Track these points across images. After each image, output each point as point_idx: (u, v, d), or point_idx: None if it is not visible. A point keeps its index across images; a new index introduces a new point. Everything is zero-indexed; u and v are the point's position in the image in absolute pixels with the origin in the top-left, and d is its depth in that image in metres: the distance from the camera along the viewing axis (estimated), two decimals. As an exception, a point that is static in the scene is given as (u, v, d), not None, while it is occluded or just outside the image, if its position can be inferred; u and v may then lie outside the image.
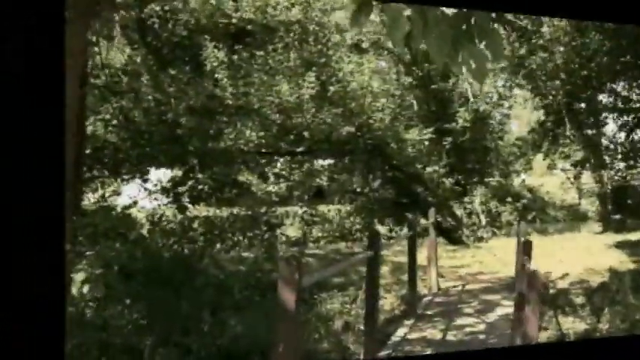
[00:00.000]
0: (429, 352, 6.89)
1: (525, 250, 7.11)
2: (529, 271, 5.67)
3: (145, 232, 11.07)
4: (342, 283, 9.44)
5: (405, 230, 17.19)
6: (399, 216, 16.54)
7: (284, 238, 14.58)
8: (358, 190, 16.68)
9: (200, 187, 14.29)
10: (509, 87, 21.36)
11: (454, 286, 11.01)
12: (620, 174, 19.13)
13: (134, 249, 8.01)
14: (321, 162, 16.72)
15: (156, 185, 14.44)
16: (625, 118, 19.01)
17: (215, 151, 13.97)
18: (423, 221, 18.75)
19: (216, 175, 14.73)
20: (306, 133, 14.96)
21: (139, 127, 13.29)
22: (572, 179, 36.92)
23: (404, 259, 11.96)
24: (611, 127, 19.74)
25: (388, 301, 9.60)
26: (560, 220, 36.72)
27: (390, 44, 15.41)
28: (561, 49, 17.09)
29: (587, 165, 21.04)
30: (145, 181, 14.51)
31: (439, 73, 17.17)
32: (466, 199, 17.74)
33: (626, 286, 9.46)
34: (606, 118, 19.69)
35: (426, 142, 16.09)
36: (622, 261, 11.95)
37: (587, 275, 10.98)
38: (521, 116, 27.85)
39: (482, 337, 7.76)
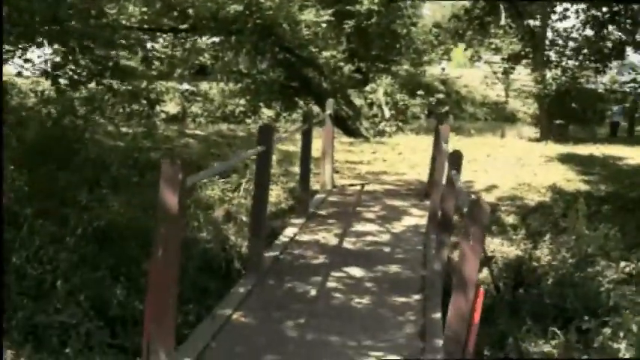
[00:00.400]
0: (322, 258, 7.30)
1: (453, 161, 6.57)
2: (462, 194, 5.45)
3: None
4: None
5: (295, 115, 20.48)
6: (288, 101, 19.47)
7: (163, 115, 17.08)
8: (245, 71, 19.23)
9: (79, 70, 16.55)
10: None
11: (351, 185, 11.42)
12: (567, 74, 20.43)
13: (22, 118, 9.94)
14: (206, 40, 19.12)
15: (34, 66, 16.51)
16: (594, 11, 19.74)
17: (95, 30, 16.20)
18: (316, 109, 21.94)
19: (97, 57, 16.99)
20: (190, 11, 17.26)
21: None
22: (498, 74, 40.14)
23: (293, 147, 14.78)
24: (571, 22, 21.04)
25: (274, 193, 9.65)
26: (481, 118, 40.25)
27: None
28: None
29: (526, 62, 23.23)
30: (26, 61, 16.49)
31: (345, -58, 19.61)
32: (368, 88, 20.81)
33: (574, 211, 9.53)
34: (566, 10, 20.78)
35: (324, 25, 18.71)
36: (568, 179, 12.52)
37: (522, 192, 11.33)
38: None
39: (387, 249, 7.85)
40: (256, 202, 6.84)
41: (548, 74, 19.96)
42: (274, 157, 12.45)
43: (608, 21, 18.68)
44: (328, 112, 10.64)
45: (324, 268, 6.93)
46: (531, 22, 21.45)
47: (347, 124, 19.97)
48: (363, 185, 11.32)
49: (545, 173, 13.18)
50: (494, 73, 43.15)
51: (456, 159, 6.62)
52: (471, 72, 43.62)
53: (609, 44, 19.72)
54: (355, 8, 19.86)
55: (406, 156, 14.90)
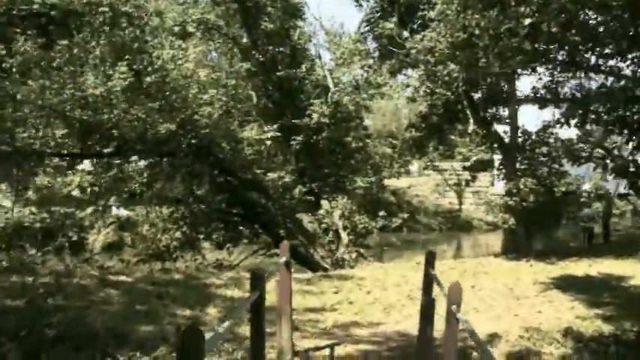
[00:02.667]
0: None
1: (453, 295, 5.61)
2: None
3: None
4: (144, 335, 8.87)
5: (240, 254, 18.03)
6: (231, 231, 17.05)
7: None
8: (179, 197, 16.84)
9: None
10: (385, 72, 22.29)
11: (317, 349, 8.65)
12: (545, 182, 18.58)
13: None
14: (139, 164, 16.88)
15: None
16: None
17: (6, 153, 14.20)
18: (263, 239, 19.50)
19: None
20: (115, 132, 15.11)
21: None
22: (450, 182, 38.73)
23: (239, 292, 12.33)
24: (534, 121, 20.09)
25: None
26: (435, 228, 38.67)
27: (221, 24, 15.93)
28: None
29: (497, 171, 21.52)
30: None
31: (287, 56, 17.95)
32: (322, 211, 18.62)
33: None
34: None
35: (268, 142, 16.72)
36: (580, 315, 10.31)
37: (533, 341, 9.09)
38: (399, 109, 29.45)
39: None
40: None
41: (521, 183, 17.98)
42: (215, 312, 10.09)
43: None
44: (283, 259, 8.13)
45: None
46: (500, 128, 19.81)
47: (300, 255, 17.62)
48: (332, 348, 8.65)
49: (549, 309, 10.98)
50: (446, 180, 42.74)
51: (455, 293, 5.67)
52: (418, 180, 42.83)
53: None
54: (303, 122, 17.88)
55: (376, 295, 12.41)
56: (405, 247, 29.46)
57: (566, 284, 13.09)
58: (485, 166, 23.03)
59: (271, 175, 16.83)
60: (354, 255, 17.87)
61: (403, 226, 26.13)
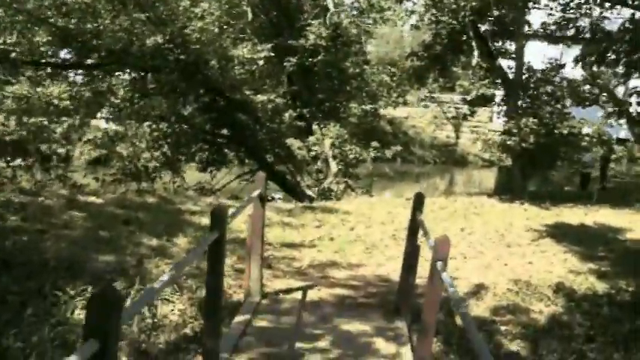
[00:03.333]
0: None
1: (439, 250, 4.92)
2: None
3: None
4: (102, 267, 8.25)
5: (223, 178, 17.30)
6: (216, 153, 16.32)
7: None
8: (162, 115, 15.92)
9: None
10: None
11: (289, 290, 7.98)
12: (549, 122, 17.60)
13: None
14: (122, 78, 15.98)
15: None
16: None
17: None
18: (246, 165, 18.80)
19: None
20: (97, 42, 14.17)
21: None
22: (448, 115, 38.04)
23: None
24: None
25: (177, 308, 6.91)
26: (430, 161, 38.03)
27: None
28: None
29: (498, 107, 20.74)
30: None
31: (287, -29, 16.83)
32: (312, 138, 17.84)
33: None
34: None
35: (260, 62, 15.77)
36: (573, 269, 9.77)
37: (522, 296, 8.43)
38: (403, 37, 28.23)
39: None
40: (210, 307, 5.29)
41: (522, 123, 17.16)
42: (184, 242, 9.43)
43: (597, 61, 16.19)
44: (257, 192, 7.40)
45: None
46: (504, 63, 18.86)
47: (286, 183, 16.99)
48: (305, 291, 8.06)
49: (541, 260, 10.39)
50: (444, 113, 41.86)
51: (442, 247, 4.93)
52: (417, 111, 41.93)
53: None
54: (299, 43, 16.91)
55: (360, 232, 11.78)
56: (398, 179, 28.90)
57: (560, 233, 12.51)
58: (485, 101, 22.13)
59: (261, 97, 15.93)
60: (341, 186, 17.21)
61: (397, 156, 25.29)
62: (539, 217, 14.57)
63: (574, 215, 15.24)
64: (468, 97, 22.82)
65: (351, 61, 18.77)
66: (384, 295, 8.18)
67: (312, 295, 7.96)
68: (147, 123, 15.85)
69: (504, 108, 19.71)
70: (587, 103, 17.91)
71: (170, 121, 15.73)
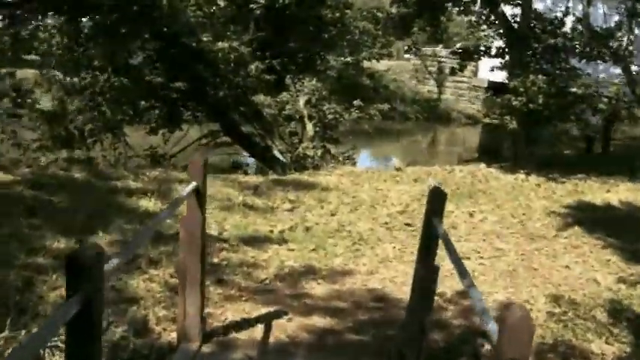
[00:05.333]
0: None
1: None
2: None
3: None
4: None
5: (177, 143, 14.68)
6: (168, 113, 13.75)
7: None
8: (100, 65, 13.12)
9: None
10: None
11: (241, 325, 5.55)
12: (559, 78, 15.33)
13: None
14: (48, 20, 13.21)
15: None
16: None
17: None
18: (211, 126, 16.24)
19: None
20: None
21: None
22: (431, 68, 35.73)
23: (158, 205, 9.57)
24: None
25: None
26: (412, 117, 35.89)
27: None
28: None
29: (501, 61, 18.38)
30: None
31: None
32: (284, 95, 15.27)
33: None
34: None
35: (221, 3, 13.12)
36: (623, 276, 7.65)
37: (572, 326, 6.11)
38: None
39: None
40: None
41: (529, 81, 14.77)
42: (104, 243, 7.05)
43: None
44: (191, 186, 4.90)
45: None
46: (508, 10, 16.37)
47: (254, 147, 14.55)
48: (269, 324, 5.68)
49: (578, 261, 8.19)
50: (425, 66, 39.73)
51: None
52: (398, 64, 40.09)
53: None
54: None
55: (343, 218, 9.36)
56: (378, 136, 26.82)
57: (587, 219, 10.26)
58: (480, 53, 19.64)
59: (221, 45, 13.29)
60: (319, 151, 14.76)
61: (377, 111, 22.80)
62: (556, 194, 12.37)
63: (594, 192, 13.10)
64: (458, 48, 20.44)
65: (329, 3, 16.08)
66: (380, 327, 5.84)
67: (279, 328, 5.59)
68: (80, 75, 13.13)
69: (492, 62, 17.39)
70: (607, 58, 15.60)
71: (108, 72, 13.03)
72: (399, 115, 36.73)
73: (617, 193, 13.05)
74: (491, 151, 35.86)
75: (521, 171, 14.81)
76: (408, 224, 9.18)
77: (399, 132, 33.74)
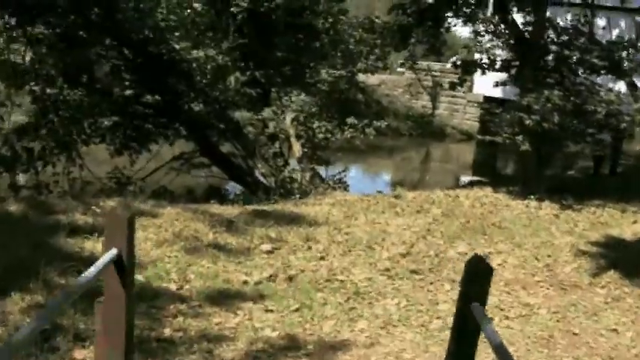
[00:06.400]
0: None
1: None
2: None
3: None
4: None
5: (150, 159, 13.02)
6: (135, 131, 12.13)
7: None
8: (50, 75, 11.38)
9: None
10: None
11: None
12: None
13: None
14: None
15: None
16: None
17: None
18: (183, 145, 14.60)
19: None
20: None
21: None
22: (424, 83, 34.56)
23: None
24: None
25: None
26: (405, 133, 34.65)
27: None
28: None
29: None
30: None
31: None
32: (268, 111, 13.63)
33: None
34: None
35: (197, 5, 11.54)
36: None
37: None
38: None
39: None
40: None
41: (544, 97, 13.27)
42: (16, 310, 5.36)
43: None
44: (111, 253, 3.29)
45: None
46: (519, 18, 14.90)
47: (234, 170, 12.98)
48: None
49: (626, 323, 6.69)
50: (420, 81, 38.55)
51: None
52: (391, 78, 39.24)
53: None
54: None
55: (334, 264, 7.76)
56: (370, 152, 25.58)
57: (622, 260, 8.75)
58: (481, 67, 18.15)
59: (196, 53, 11.69)
60: (307, 175, 13.16)
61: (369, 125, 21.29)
62: (578, 227, 10.90)
63: (618, 222, 11.66)
64: (458, 60, 19.00)
65: (321, 8, 14.53)
66: None
67: None
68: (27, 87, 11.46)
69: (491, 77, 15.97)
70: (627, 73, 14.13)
71: (61, 84, 11.38)
72: (391, 131, 35.65)
73: (633, 225, 11.60)
74: (485, 168, 34.60)
75: (532, 197, 13.39)
76: (414, 271, 7.59)
77: (392, 148, 32.78)
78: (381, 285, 7.13)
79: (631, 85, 15.63)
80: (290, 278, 7.12)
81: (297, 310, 6.27)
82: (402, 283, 7.27)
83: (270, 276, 7.10)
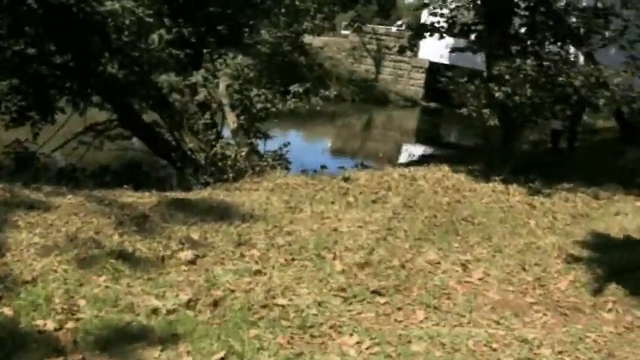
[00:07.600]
0: None
1: None
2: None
3: None
4: None
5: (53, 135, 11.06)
6: (36, 98, 10.20)
7: None
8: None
9: None
10: None
11: None
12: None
13: None
14: None
15: None
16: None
17: None
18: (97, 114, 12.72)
19: None
20: None
21: None
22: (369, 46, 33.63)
23: None
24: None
25: None
26: (347, 99, 33.44)
27: None
28: None
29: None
30: None
31: None
32: (198, 76, 11.71)
33: None
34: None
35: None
36: None
37: None
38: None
39: None
40: None
41: (515, 65, 11.79)
42: None
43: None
44: None
45: None
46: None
47: (159, 142, 11.15)
48: None
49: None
50: (364, 44, 37.68)
51: None
52: (335, 41, 38.33)
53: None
54: None
55: (274, 281, 6.09)
56: (310, 118, 24.09)
57: (619, 268, 7.28)
58: (439, 31, 16.56)
59: (111, 5, 9.70)
60: (243, 151, 11.38)
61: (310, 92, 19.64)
62: (558, 220, 9.53)
63: (597, 212, 10.56)
64: (400, 23, 17.53)
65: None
66: None
67: None
68: None
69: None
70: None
71: None
72: (333, 96, 34.48)
73: (626, 215, 10.33)
74: (429, 136, 33.65)
75: (497, 178, 12.00)
76: (376, 292, 5.94)
77: (333, 114, 31.75)
78: (335, 313, 5.46)
79: (588, 56, 14.45)
80: (215, 303, 5.39)
81: (221, 358, 4.57)
82: (362, 308, 5.61)
83: (189, 301, 5.35)
